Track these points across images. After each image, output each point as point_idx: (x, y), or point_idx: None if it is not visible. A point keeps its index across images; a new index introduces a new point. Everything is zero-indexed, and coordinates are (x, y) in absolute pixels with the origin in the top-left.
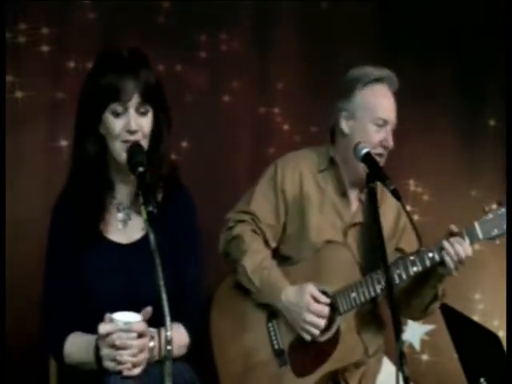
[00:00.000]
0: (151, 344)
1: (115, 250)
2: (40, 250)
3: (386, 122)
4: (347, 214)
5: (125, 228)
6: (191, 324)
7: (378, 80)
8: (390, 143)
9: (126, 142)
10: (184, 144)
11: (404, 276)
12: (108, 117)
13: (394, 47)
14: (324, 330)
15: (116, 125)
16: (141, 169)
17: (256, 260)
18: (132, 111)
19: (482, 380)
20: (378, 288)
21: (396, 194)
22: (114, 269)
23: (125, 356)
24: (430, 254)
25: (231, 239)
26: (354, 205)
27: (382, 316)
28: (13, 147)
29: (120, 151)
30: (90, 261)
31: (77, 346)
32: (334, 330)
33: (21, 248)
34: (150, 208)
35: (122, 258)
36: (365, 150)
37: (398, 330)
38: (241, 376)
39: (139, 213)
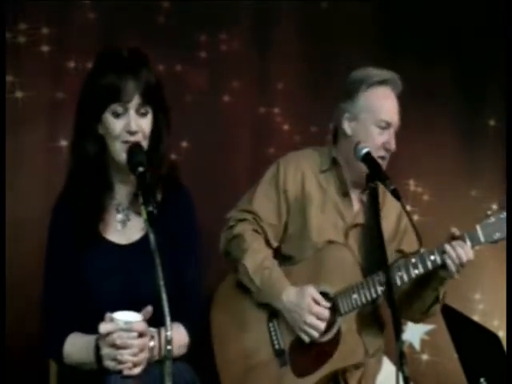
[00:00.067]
0: (151, 343)
1: (114, 251)
2: (40, 250)
3: (388, 125)
4: (349, 214)
5: (124, 229)
6: (191, 324)
7: (381, 82)
8: (393, 146)
9: (126, 142)
10: (184, 144)
11: (405, 278)
12: (108, 117)
13: (394, 47)
14: (325, 331)
15: (116, 125)
16: (141, 169)
17: (257, 259)
18: (132, 112)
19: (482, 380)
20: (380, 290)
21: (396, 194)
22: (113, 269)
23: (125, 355)
24: (432, 257)
25: (232, 238)
26: (356, 206)
27: (382, 317)
28: (13, 147)
29: (120, 152)
30: (90, 261)
31: (76, 346)
32: (334, 330)
33: (21, 248)
34: (150, 208)
35: (122, 258)
36: (365, 150)
37: (398, 330)
38: (241, 376)
39: (138, 213)
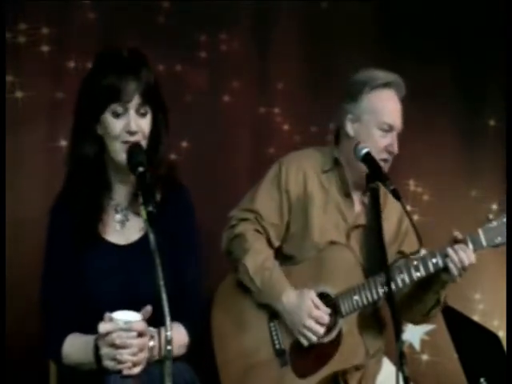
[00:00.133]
0: (151, 343)
1: (113, 251)
2: (40, 250)
3: (391, 128)
4: (350, 215)
5: (122, 229)
6: (191, 324)
7: (385, 85)
8: (395, 149)
9: (125, 142)
10: (184, 144)
11: (407, 280)
12: (107, 117)
13: (394, 47)
14: (326, 332)
15: (116, 125)
16: (141, 169)
17: (258, 260)
18: (132, 112)
19: (482, 380)
20: (381, 292)
21: (396, 194)
22: (112, 269)
23: (125, 355)
24: (434, 260)
25: (234, 237)
26: (358, 207)
27: (383, 318)
28: (13, 147)
29: (120, 152)
30: (89, 262)
31: (75, 346)
32: (336, 332)
33: (21, 248)
34: (150, 208)
35: (121, 258)
36: (365, 150)
37: (398, 330)
38: (241, 375)
39: (137, 214)
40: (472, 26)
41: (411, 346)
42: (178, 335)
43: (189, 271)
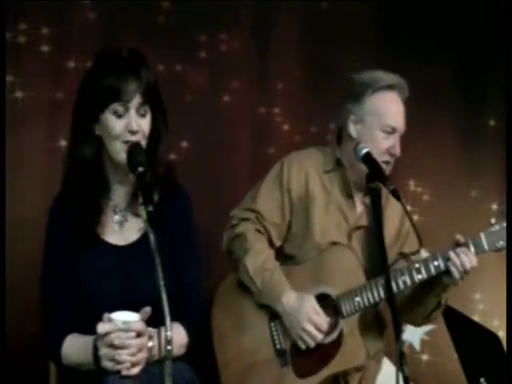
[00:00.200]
0: (150, 344)
1: (112, 252)
2: (40, 250)
3: (394, 130)
4: (352, 216)
5: (121, 230)
6: (191, 324)
7: (389, 87)
8: (398, 151)
9: (126, 142)
10: (184, 144)
11: (409, 283)
12: (108, 117)
13: (394, 47)
14: (327, 333)
15: (117, 125)
16: (141, 169)
17: (258, 261)
18: (133, 112)
19: (481, 380)
20: (383, 293)
21: (396, 194)
22: (111, 270)
23: (123, 355)
24: (436, 263)
25: (234, 237)
26: (359, 208)
27: (383, 319)
28: (13, 147)
29: (120, 151)
30: (88, 263)
31: (74, 347)
32: (337, 332)
33: (21, 248)
34: (150, 208)
35: (120, 259)
36: (365, 150)
37: (398, 330)
38: (241, 375)
39: (135, 214)
40: (472, 26)
41: (411, 346)
42: (177, 335)
43: (189, 271)
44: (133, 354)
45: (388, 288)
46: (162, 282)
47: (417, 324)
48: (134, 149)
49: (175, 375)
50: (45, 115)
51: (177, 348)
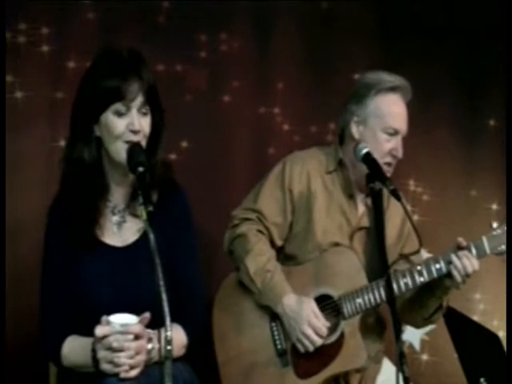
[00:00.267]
0: (149, 346)
1: (110, 254)
2: (40, 250)
3: (396, 132)
4: (354, 217)
5: (119, 231)
6: (192, 325)
7: (392, 89)
8: (400, 152)
9: (128, 142)
10: (184, 144)
11: (410, 285)
12: (109, 116)
13: (394, 47)
14: (328, 334)
15: (118, 124)
16: (141, 169)
17: (259, 262)
18: (134, 111)
19: (481, 380)
20: (384, 295)
21: (395, 194)
22: (110, 272)
23: (122, 358)
24: (438, 266)
25: (236, 237)
26: (361, 209)
27: (384, 320)
28: (13, 147)
29: (120, 151)
30: (86, 264)
31: (74, 349)
32: (338, 333)
33: (21, 248)
34: (150, 208)
35: (118, 260)
36: (365, 150)
37: (398, 330)
38: (242, 376)
39: (134, 215)
40: (472, 26)
41: (411, 346)
42: (176, 336)
43: (188, 271)
44: (131, 357)
45: (388, 288)
46: (161, 282)
47: (418, 326)
48: (134, 149)
49: (175, 376)
50: (45, 115)
51: (176, 349)
